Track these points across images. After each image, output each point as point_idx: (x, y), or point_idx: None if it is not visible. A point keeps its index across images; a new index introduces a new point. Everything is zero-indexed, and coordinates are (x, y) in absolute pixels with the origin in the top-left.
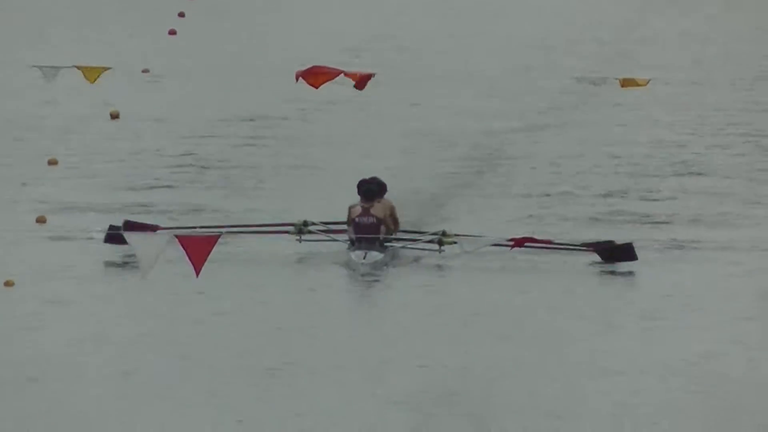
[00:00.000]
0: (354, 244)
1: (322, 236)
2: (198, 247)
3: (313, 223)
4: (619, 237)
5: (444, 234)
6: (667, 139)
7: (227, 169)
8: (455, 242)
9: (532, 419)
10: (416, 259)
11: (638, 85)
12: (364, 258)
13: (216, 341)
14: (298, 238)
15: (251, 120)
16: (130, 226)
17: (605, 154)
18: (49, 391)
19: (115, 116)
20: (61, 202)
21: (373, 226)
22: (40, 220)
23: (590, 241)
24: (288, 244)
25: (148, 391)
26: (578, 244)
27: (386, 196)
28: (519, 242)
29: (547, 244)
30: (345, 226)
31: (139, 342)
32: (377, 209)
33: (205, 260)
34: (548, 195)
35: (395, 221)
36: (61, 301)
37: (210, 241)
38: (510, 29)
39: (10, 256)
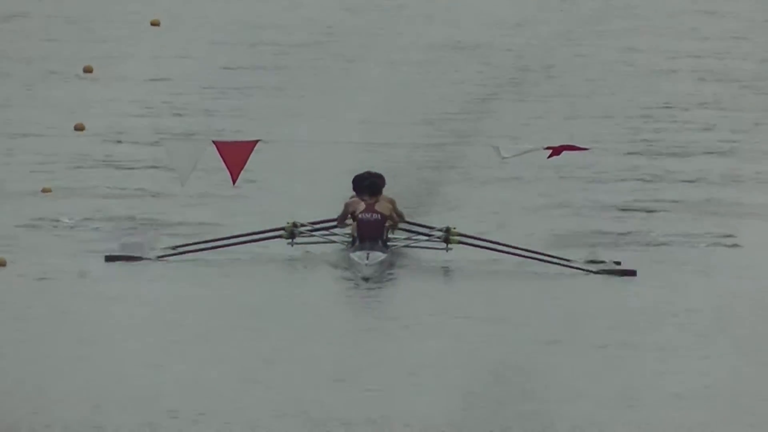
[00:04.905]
0: (354, 243)
1: (318, 237)
2: (235, 154)
3: (303, 224)
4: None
5: (449, 231)
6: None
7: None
8: (461, 242)
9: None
10: (420, 259)
11: None
12: (367, 258)
13: (213, 355)
14: (289, 241)
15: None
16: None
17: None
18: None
19: (155, 24)
20: (98, 109)
21: (378, 223)
22: (79, 127)
23: (593, 261)
24: (278, 248)
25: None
26: (582, 261)
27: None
28: (557, 150)
29: (584, 149)
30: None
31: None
32: (382, 205)
33: (242, 167)
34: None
35: (399, 214)
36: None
37: (246, 148)
38: None
39: (49, 164)
